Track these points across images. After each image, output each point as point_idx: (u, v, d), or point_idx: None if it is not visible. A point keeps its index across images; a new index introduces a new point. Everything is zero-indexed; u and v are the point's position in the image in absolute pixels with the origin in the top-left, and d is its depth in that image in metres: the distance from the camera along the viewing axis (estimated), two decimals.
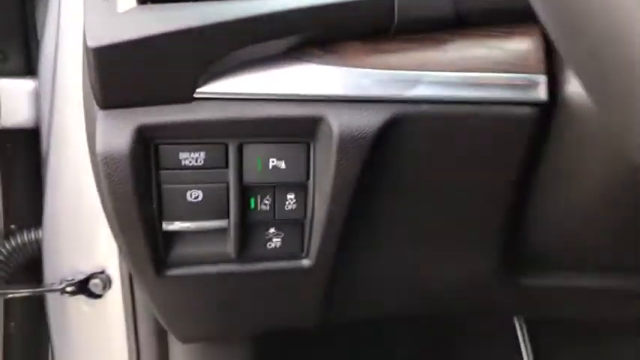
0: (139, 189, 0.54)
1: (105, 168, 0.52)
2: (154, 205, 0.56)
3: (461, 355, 1.20)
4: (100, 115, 0.52)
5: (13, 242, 0.89)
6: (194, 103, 0.53)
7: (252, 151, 0.56)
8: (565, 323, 1.13)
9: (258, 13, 0.50)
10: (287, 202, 0.58)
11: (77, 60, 0.78)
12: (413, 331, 1.18)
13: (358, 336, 1.13)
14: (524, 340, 1.09)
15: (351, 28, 0.53)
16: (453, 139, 0.56)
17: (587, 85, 0.33)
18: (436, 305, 0.77)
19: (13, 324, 0.93)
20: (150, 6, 0.50)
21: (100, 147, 0.51)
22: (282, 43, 0.52)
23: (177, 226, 0.57)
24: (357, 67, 0.53)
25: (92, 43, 0.48)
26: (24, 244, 0.89)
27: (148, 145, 0.53)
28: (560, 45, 0.35)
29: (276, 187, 0.57)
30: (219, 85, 0.53)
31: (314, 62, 0.53)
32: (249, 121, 0.53)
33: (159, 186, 0.55)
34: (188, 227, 0.57)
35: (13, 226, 0.91)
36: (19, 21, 0.84)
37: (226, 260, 0.60)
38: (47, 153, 0.83)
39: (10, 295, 0.83)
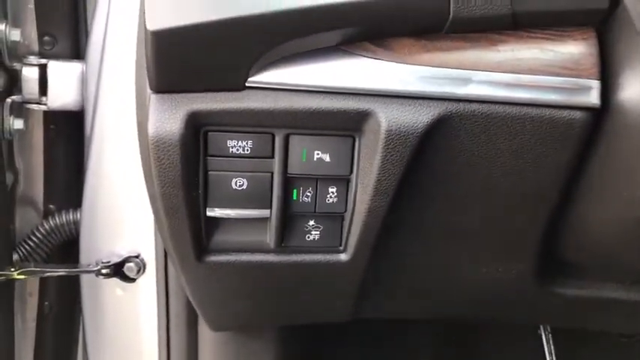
0: (187, 174, 0.54)
1: (155, 151, 0.53)
2: (200, 191, 0.57)
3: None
4: (153, 98, 0.53)
5: (51, 222, 0.90)
6: (245, 92, 0.53)
7: (298, 143, 0.56)
8: (592, 333, 1.12)
9: (315, 4, 0.50)
10: (329, 195, 0.58)
11: (125, 46, 0.80)
12: (436, 334, 1.17)
13: (382, 334, 1.13)
14: (549, 348, 1.08)
15: (404, 23, 0.53)
16: (500, 140, 0.55)
17: None
18: (466, 310, 0.77)
19: (47, 303, 0.94)
20: None
21: (151, 130, 0.52)
22: (334, 36, 0.53)
23: (220, 212, 0.58)
24: (408, 63, 0.54)
25: (152, 26, 0.49)
26: (62, 225, 0.90)
27: (197, 131, 0.54)
28: None
29: (319, 180, 0.58)
30: (271, 75, 0.53)
31: (366, 56, 0.54)
32: (298, 112, 0.54)
33: (205, 172, 0.56)
34: (231, 214, 0.58)
35: (52, 206, 0.92)
36: (69, 5, 0.86)
37: (265, 250, 0.61)
38: (90, 136, 0.84)
39: (47, 274, 0.84)
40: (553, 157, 0.56)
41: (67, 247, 0.92)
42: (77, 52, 0.87)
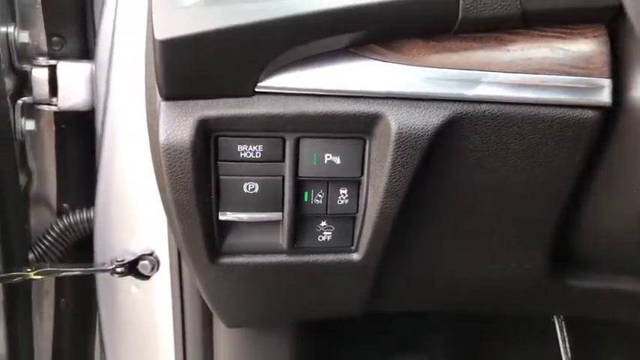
0: (199, 180, 0.55)
1: (167, 159, 0.53)
2: (212, 196, 0.57)
3: (498, 351, 1.19)
4: (163, 106, 0.53)
5: (65, 221, 0.91)
6: (254, 97, 0.53)
7: (308, 146, 0.56)
8: (606, 322, 1.12)
9: (322, 9, 0.50)
10: (340, 197, 0.59)
11: (134, 44, 0.80)
12: (450, 325, 1.18)
13: (396, 327, 1.14)
14: (562, 336, 1.08)
15: (413, 25, 0.53)
16: (511, 140, 0.55)
17: None
18: (480, 302, 0.77)
19: (63, 300, 0.95)
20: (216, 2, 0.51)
21: (162, 138, 0.52)
22: (343, 39, 0.52)
23: (232, 216, 0.58)
24: (417, 65, 0.53)
25: (160, 36, 0.49)
26: (76, 223, 0.91)
27: (208, 137, 0.54)
28: None
29: (330, 182, 0.58)
30: (280, 80, 0.53)
31: (374, 59, 0.53)
32: (308, 116, 0.54)
33: (217, 177, 0.56)
34: (243, 218, 0.58)
35: (65, 205, 0.93)
36: (77, 5, 0.86)
37: (278, 251, 0.61)
38: (102, 135, 0.85)
39: (63, 274, 0.85)
40: (564, 156, 0.56)
41: (81, 245, 0.93)
42: (86, 52, 0.88)
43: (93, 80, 0.86)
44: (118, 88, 0.83)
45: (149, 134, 0.58)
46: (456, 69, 0.53)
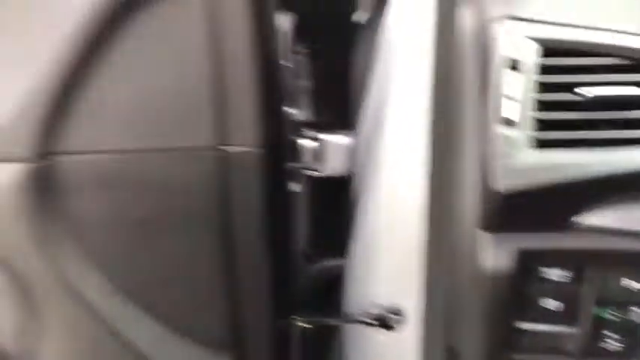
0: (511, 299, 0.61)
1: (490, 286, 0.60)
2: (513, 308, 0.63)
3: None
4: (485, 237, 0.59)
5: (316, 268, 1.02)
6: (568, 232, 0.58)
7: (608, 272, 0.60)
8: None
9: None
10: (635, 315, 0.62)
11: (399, 126, 0.87)
12: None
13: None
14: None
15: None
16: None
17: None
18: None
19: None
20: (547, 154, 0.56)
21: (486, 267, 0.59)
22: None
23: (529, 326, 0.64)
24: None
25: (501, 189, 0.55)
26: (325, 271, 1.02)
27: (523, 264, 0.60)
28: None
29: (628, 303, 0.62)
30: (589, 219, 0.58)
31: None
32: (615, 252, 0.58)
33: (521, 293, 0.62)
34: (539, 329, 0.64)
35: (315, 255, 1.03)
36: (344, 95, 0.95)
37: (568, 354, 0.66)
38: (358, 196, 0.94)
39: (324, 323, 0.96)
40: None
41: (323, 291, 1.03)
42: (347, 124, 0.96)
43: (352, 150, 0.95)
44: (378, 159, 0.90)
45: (462, 259, 0.64)
46: None
